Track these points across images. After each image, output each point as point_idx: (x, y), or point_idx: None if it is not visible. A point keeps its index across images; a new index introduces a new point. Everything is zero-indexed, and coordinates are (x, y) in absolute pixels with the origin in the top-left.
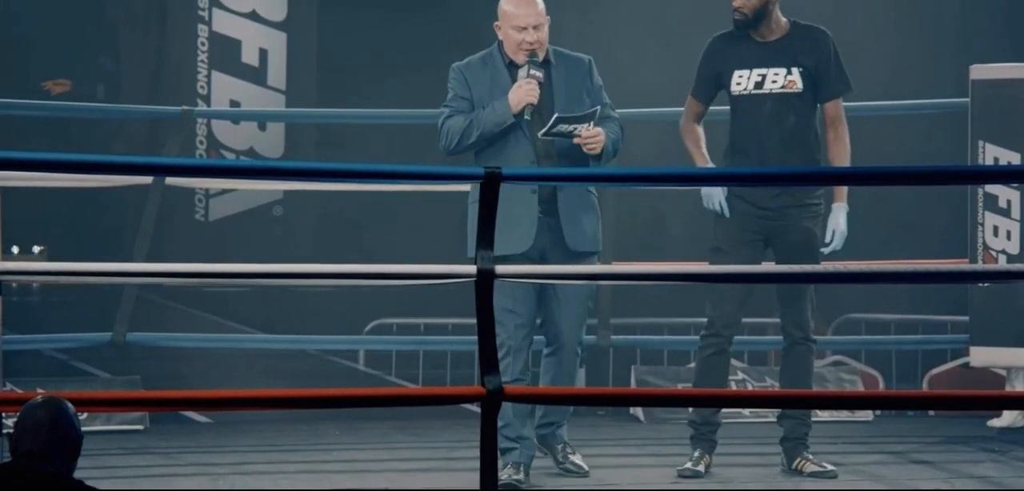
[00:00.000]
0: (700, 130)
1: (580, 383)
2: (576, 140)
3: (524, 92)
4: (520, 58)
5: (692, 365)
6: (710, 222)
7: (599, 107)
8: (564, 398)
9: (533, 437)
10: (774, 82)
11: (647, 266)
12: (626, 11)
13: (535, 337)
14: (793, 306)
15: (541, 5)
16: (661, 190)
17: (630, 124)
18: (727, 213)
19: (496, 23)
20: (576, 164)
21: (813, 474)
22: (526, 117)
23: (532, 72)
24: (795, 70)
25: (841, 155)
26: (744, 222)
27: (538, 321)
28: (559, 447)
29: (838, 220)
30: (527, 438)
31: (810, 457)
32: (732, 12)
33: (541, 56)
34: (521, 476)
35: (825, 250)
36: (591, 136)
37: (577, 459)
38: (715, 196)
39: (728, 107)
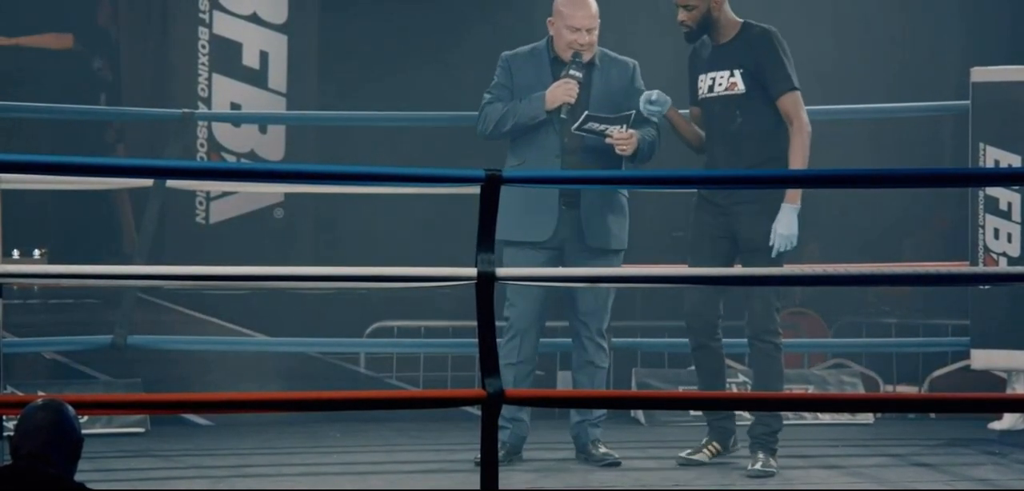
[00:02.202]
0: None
1: (605, 370)
2: (607, 140)
3: (562, 91)
4: (567, 56)
5: (692, 367)
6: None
7: (634, 111)
8: (563, 400)
9: (528, 419)
10: (720, 85)
11: (645, 268)
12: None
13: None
14: (747, 307)
15: (595, 8)
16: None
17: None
18: (653, 112)
19: (549, 18)
20: (605, 163)
21: (750, 472)
22: (562, 115)
23: (572, 72)
24: (736, 72)
25: (794, 154)
26: (708, 219)
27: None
28: (590, 443)
29: (781, 221)
30: (521, 420)
31: (761, 456)
32: (679, 25)
33: (588, 57)
34: (501, 454)
35: (772, 253)
36: (623, 138)
37: (606, 449)
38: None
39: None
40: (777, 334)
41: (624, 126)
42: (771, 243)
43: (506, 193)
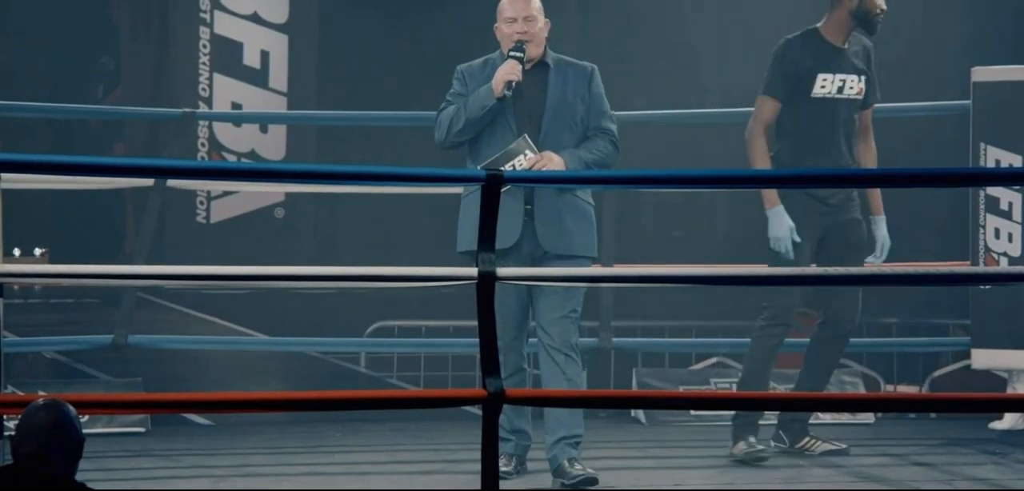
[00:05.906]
0: (765, 143)
1: (582, 386)
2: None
3: (503, 72)
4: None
5: (693, 367)
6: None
7: (525, 134)
8: (564, 400)
9: (530, 430)
10: (851, 88)
11: (645, 268)
12: (711, 11)
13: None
14: (833, 299)
15: (536, 2)
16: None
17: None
18: (792, 255)
19: (496, 24)
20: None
21: (826, 453)
22: (507, 92)
23: (512, 54)
24: (862, 78)
25: (871, 164)
26: (815, 219)
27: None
28: (565, 461)
29: (883, 231)
30: (524, 431)
31: (818, 437)
32: (875, 16)
33: (533, 54)
34: (511, 467)
35: (874, 260)
36: (534, 160)
37: (581, 467)
38: (784, 240)
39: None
40: (851, 332)
41: (526, 154)
42: (879, 249)
43: (468, 202)
